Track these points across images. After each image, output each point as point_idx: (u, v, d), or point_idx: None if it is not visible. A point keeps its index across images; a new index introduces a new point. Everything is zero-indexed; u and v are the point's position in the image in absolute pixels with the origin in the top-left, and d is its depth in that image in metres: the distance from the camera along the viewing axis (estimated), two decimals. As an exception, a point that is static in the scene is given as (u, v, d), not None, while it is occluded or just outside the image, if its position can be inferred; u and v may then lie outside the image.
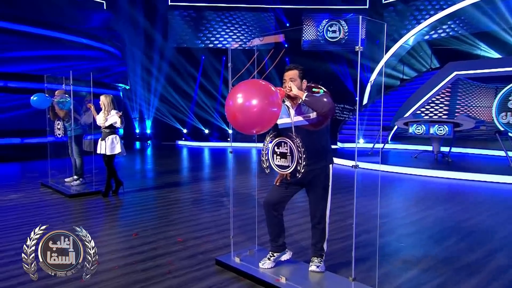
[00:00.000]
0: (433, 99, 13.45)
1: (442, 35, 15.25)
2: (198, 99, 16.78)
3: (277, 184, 2.96)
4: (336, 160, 9.40)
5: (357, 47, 2.43)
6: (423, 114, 13.13)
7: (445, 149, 9.82)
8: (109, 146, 5.54)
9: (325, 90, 2.83)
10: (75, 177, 6.39)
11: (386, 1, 16.63)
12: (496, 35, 13.34)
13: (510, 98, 12.13)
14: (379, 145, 11.14)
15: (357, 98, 2.83)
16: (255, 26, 17.52)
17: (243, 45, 16.75)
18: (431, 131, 9.19)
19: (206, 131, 16.53)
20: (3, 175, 8.05)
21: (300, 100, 2.69)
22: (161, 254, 3.52)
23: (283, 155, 2.69)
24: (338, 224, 4.40)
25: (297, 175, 2.64)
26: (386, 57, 15.23)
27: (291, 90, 2.70)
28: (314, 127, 2.77)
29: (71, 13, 12.50)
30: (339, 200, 5.58)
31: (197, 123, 16.59)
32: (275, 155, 2.74)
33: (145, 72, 16.34)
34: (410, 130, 9.65)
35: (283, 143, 2.68)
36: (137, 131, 16.63)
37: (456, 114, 12.82)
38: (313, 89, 2.83)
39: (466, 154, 10.99)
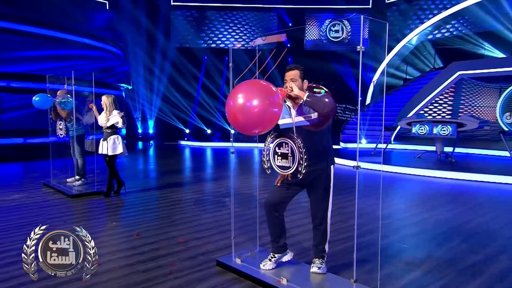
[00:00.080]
0: (437, 99, 13.40)
1: (446, 34, 15.18)
2: (200, 99, 16.79)
3: (278, 184, 2.94)
4: (338, 160, 9.38)
5: (358, 47, 2.41)
6: (426, 114, 13.08)
7: (448, 149, 9.77)
8: (111, 146, 5.54)
9: (326, 90, 2.81)
10: (77, 177, 6.40)
11: (389, 1, 16.57)
12: (500, 34, 13.26)
13: (514, 98, 12.08)
14: (382, 145, 11.10)
15: (359, 98, 2.81)
16: (257, 26, 17.51)
17: (245, 45, 16.75)
18: (435, 131, 9.14)
19: (209, 131, 16.53)
20: (6, 175, 8.08)
21: (301, 100, 2.67)
22: (162, 254, 3.51)
23: (284, 156, 2.68)
24: (339, 225, 4.38)
25: (298, 175, 2.62)
26: (388, 57, 15.18)
27: (292, 90, 2.68)
28: (315, 128, 2.75)
29: (74, 13, 12.53)
30: (341, 200, 5.55)
31: (199, 123, 16.60)
32: (276, 156, 2.72)
33: (147, 72, 16.37)
34: (413, 130, 9.60)
35: (284, 144, 2.67)
36: (140, 131, 16.65)
37: (459, 114, 12.76)
38: (314, 89, 2.81)
39: (469, 154, 10.92)
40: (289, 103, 2.82)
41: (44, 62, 10.70)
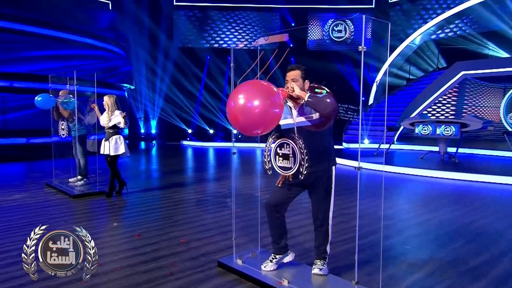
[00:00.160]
0: (440, 99, 13.32)
1: (450, 34, 15.09)
2: (203, 99, 16.79)
3: (279, 185, 2.92)
4: (341, 161, 9.35)
5: (360, 47, 2.39)
6: (429, 115, 13.00)
7: (452, 149, 9.71)
8: (112, 146, 5.53)
9: (328, 90, 2.79)
10: (79, 177, 6.40)
11: (392, 1, 16.50)
12: (504, 34, 13.16)
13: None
14: (384, 146, 11.05)
15: (362, 98, 2.79)
16: (260, 26, 17.48)
17: (248, 45, 16.73)
18: (438, 131, 9.09)
19: (211, 131, 16.53)
20: (9, 175, 8.11)
21: (303, 100, 2.65)
22: (163, 255, 3.50)
23: (285, 157, 2.66)
24: (341, 226, 4.35)
25: (300, 176, 2.60)
26: (391, 57, 15.12)
27: (293, 90, 2.66)
28: (317, 128, 2.73)
29: (77, 13, 12.56)
30: (343, 201, 5.52)
31: (201, 123, 16.61)
32: (277, 157, 2.70)
33: (150, 72, 16.39)
34: (416, 131, 9.56)
35: (285, 144, 2.65)
36: (142, 131, 16.68)
37: (463, 115, 12.68)
38: (316, 90, 2.79)
39: (473, 155, 10.86)
40: (290, 103, 2.80)
41: (47, 62, 10.73)
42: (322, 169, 2.80)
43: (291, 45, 16.13)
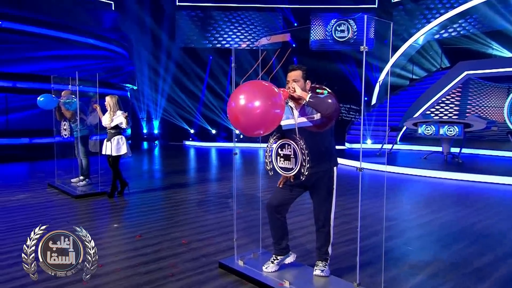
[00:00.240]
0: (443, 99, 13.26)
1: (453, 34, 15.01)
2: (205, 99, 16.80)
3: (280, 186, 2.91)
4: (343, 161, 9.32)
5: (362, 47, 2.37)
6: (432, 115, 12.95)
7: (455, 150, 9.66)
8: (114, 147, 5.53)
9: (329, 91, 2.77)
10: (81, 177, 6.41)
11: (395, 0, 16.43)
12: (509, 33, 13.07)
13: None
14: (387, 146, 11.00)
15: (365, 99, 2.76)
16: (263, 26, 17.47)
17: (250, 45, 16.72)
18: (441, 131, 9.04)
19: (213, 131, 16.54)
20: (12, 175, 8.13)
21: (304, 101, 2.63)
22: (164, 256, 3.49)
23: (286, 157, 2.64)
24: (343, 227, 4.33)
25: (301, 177, 2.58)
26: (395, 56, 15.07)
27: (294, 91, 2.64)
28: (318, 129, 2.71)
29: (80, 14, 12.60)
30: (345, 202, 5.50)
31: (204, 124, 16.61)
32: (278, 157, 2.68)
33: (152, 73, 16.41)
34: (420, 131, 9.51)
35: (286, 145, 2.63)
36: (145, 131, 16.71)
37: (466, 115, 12.61)
38: (317, 90, 2.78)
39: (477, 155, 10.79)
40: (291, 104, 2.78)
41: (49, 62, 10.76)
42: (324, 170, 2.79)
43: (294, 45, 16.10)
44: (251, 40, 17.25)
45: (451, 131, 8.88)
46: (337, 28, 16.96)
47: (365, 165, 8.89)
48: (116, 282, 2.95)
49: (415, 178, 7.86)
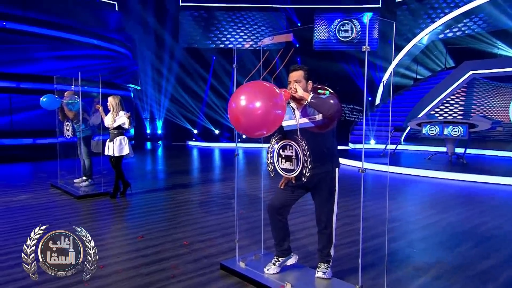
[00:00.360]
0: (448, 99, 13.18)
1: (458, 33, 14.91)
2: (208, 99, 16.80)
3: (282, 187, 2.89)
4: (347, 162, 9.27)
5: (364, 47, 2.34)
6: (437, 115, 12.87)
7: (460, 150, 9.58)
8: (117, 147, 5.53)
9: (331, 91, 2.74)
10: (84, 178, 6.42)
11: (399, 0, 16.35)
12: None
13: (528, 98, 11.80)
14: (391, 146, 10.94)
15: (369, 99, 2.73)
16: (266, 26, 17.45)
17: (253, 45, 16.70)
18: (445, 132, 8.98)
19: (216, 131, 16.53)
20: (15, 176, 8.16)
21: (306, 102, 2.61)
22: (166, 257, 3.47)
23: (288, 158, 2.62)
24: (345, 228, 4.30)
25: (303, 179, 2.56)
26: (398, 56, 14.99)
27: (296, 91, 2.62)
28: (320, 129, 2.68)
29: (83, 14, 12.64)
30: (348, 203, 5.46)
31: (207, 124, 16.61)
32: (280, 158, 2.66)
33: (155, 73, 16.44)
34: (424, 131, 9.45)
35: (288, 146, 2.61)
36: (148, 131, 16.74)
37: (471, 115, 12.52)
38: (319, 90, 2.75)
39: (481, 155, 10.70)
40: (293, 104, 2.76)
41: (53, 63, 10.81)
42: (326, 171, 2.76)
43: (297, 45, 16.07)
44: (255, 40, 17.23)
45: (455, 131, 8.82)
46: (341, 28, 16.90)
47: (369, 165, 8.84)
48: (118, 283, 2.94)
49: (419, 179, 7.80)
